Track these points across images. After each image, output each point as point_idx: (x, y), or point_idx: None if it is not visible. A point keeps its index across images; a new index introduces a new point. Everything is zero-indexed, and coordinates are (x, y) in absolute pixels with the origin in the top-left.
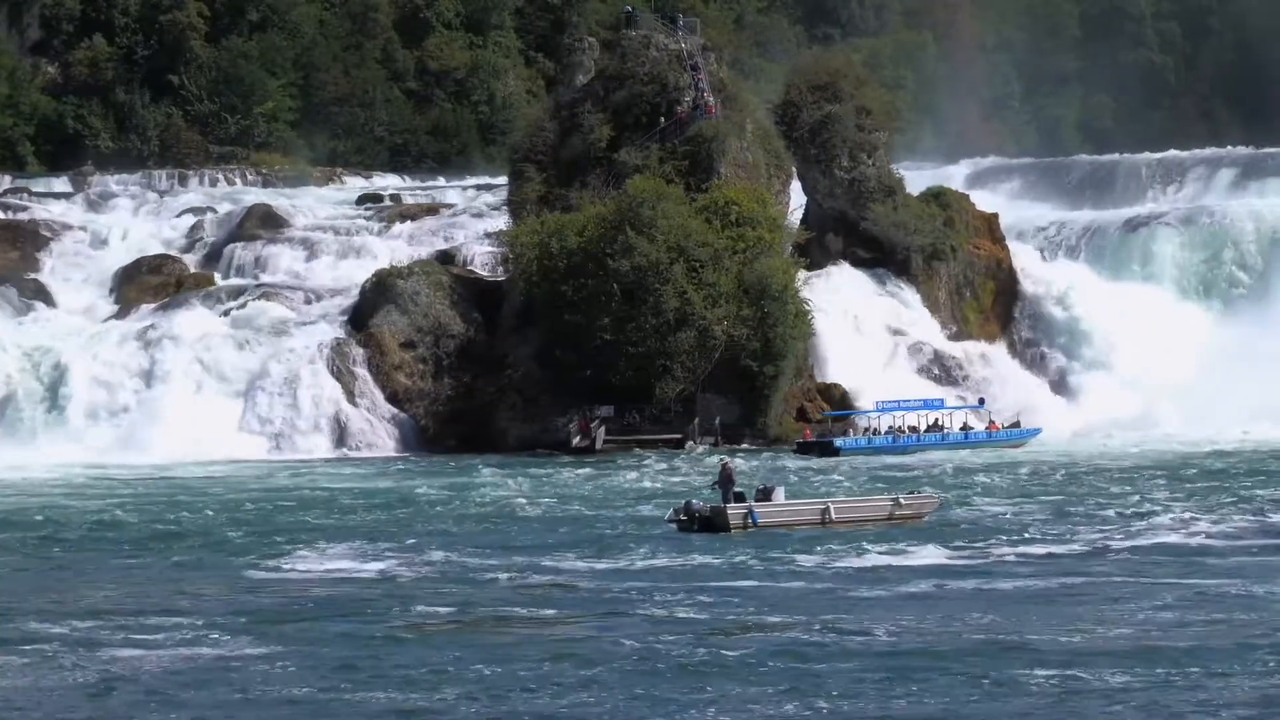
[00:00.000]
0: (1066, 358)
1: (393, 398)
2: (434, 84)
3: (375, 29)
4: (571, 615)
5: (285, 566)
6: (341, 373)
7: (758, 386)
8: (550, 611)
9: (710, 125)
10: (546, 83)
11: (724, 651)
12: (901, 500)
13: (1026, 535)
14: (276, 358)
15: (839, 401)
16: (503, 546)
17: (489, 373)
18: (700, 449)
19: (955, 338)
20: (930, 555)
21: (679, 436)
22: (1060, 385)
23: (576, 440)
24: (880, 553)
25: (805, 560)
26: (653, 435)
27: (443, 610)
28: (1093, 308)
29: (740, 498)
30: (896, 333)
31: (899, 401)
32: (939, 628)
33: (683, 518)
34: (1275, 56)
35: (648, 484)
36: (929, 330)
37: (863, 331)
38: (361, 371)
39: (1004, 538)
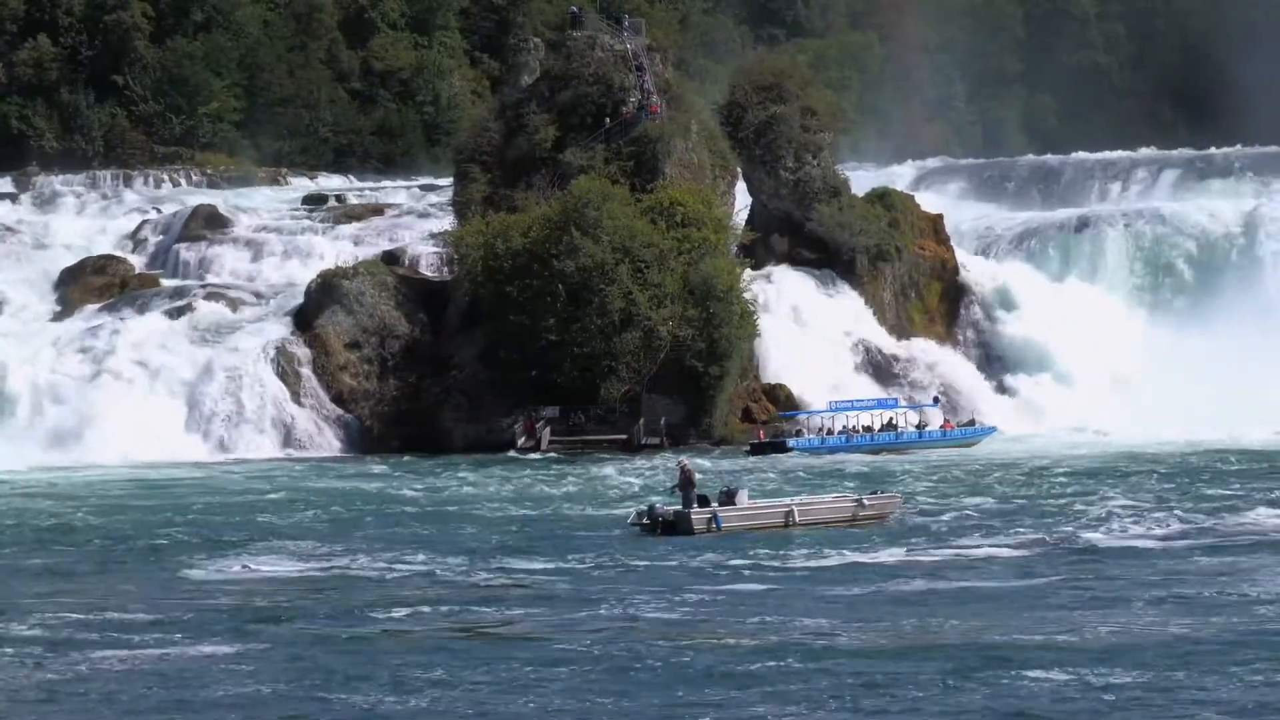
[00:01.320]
0: (1011, 358)
1: (338, 398)
2: (379, 84)
3: (320, 29)
4: (536, 618)
5: (238, 568)
6: (286, 373)
7: (703, 387)
8: (515, 612)
9: (655, 126)
10: (491, 83)
11: (692, 655)
12: (865, 501)
13: (987, 535)
14: (221, 358)
15: (784, 402)
16: (459, 548)
17: (434, 373)
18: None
19: (900, 338)
20: (891, 555)
21: (624, 437)
22: (1004, 385)
23: (522, 441)
24: (843, 554)
25: (770, 562)
26: (598, 436)
27: (403, 612)
28: (1037, 308)
29: (703, 500)
30: (841, 333)
31: (853, 401)
32: (907, 628)
33: (646, 521)
34: (1219, 57)
35: (600, 486)
36: (874, 331)
37: (808, 332)
38: (306, 372)
39: (965, 538)
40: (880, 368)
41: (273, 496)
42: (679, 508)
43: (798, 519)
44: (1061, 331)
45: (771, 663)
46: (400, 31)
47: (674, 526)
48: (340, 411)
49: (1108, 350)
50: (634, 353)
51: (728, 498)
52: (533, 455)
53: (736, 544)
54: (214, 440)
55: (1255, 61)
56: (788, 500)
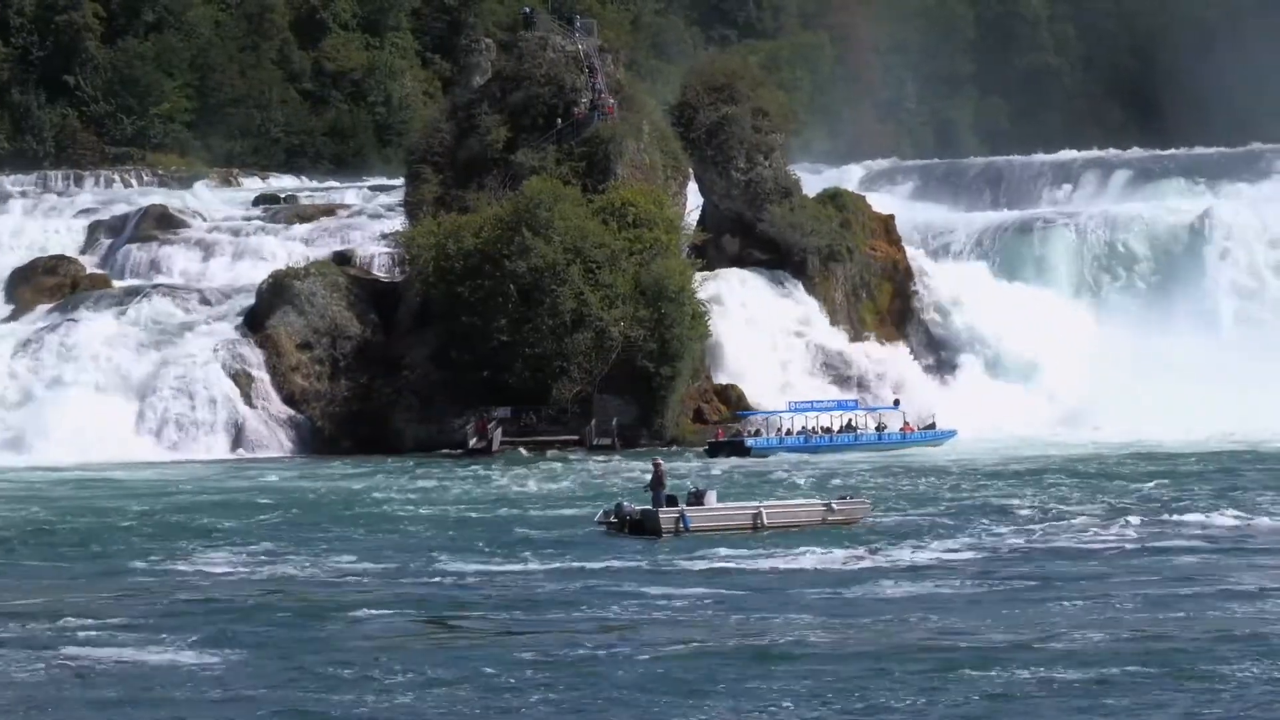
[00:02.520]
0: (962, 359)
1: (289, 399)
2: (330, 85)
3: (271, 30)
4: (506, 619)
5: (196, 569)
6: (238, 374)
7: (654, 388)
8: (484, 613)
9: (607, 126)
10: (443, 84)
11: (663, 657)
12: (834, 505)
13: (953, 537)
14: (173, 359)
15: (735, 403)
16: (423, 549)
17: (386, 374)
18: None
19: (852, 339)
20: (860, 559)
21: (576, 438)
22: (956, 386)
23: (473, 442)
24: (812, 557)
25: (739, 564)
26: (550, 436)
27: (368, 613)
28: (988, 309)
29: (672, 500)
30: (793, 334)
31: (812, 402)
32: (878, 630)
33: (613, 520)
34: (1170, 59)
35: (560, 485)
36: (825, 332)
37: (759, 333)
38: (258, 373)
39: (932, 540)
40: (832, 369)
41: (227, 498)
42: (647, 507)
43: (766, 522)
44: (1013, 333)
45: (745, 665)
46: (352, 32)
47: (641, 526)
48: (291, 412)
49: (1059, 351)
50: (585, 353)
51: (696, 498)
52: (487, 456)
53: (705, 545)
54: (165, 441)
55: (1205, 63)
56: (756, 502)
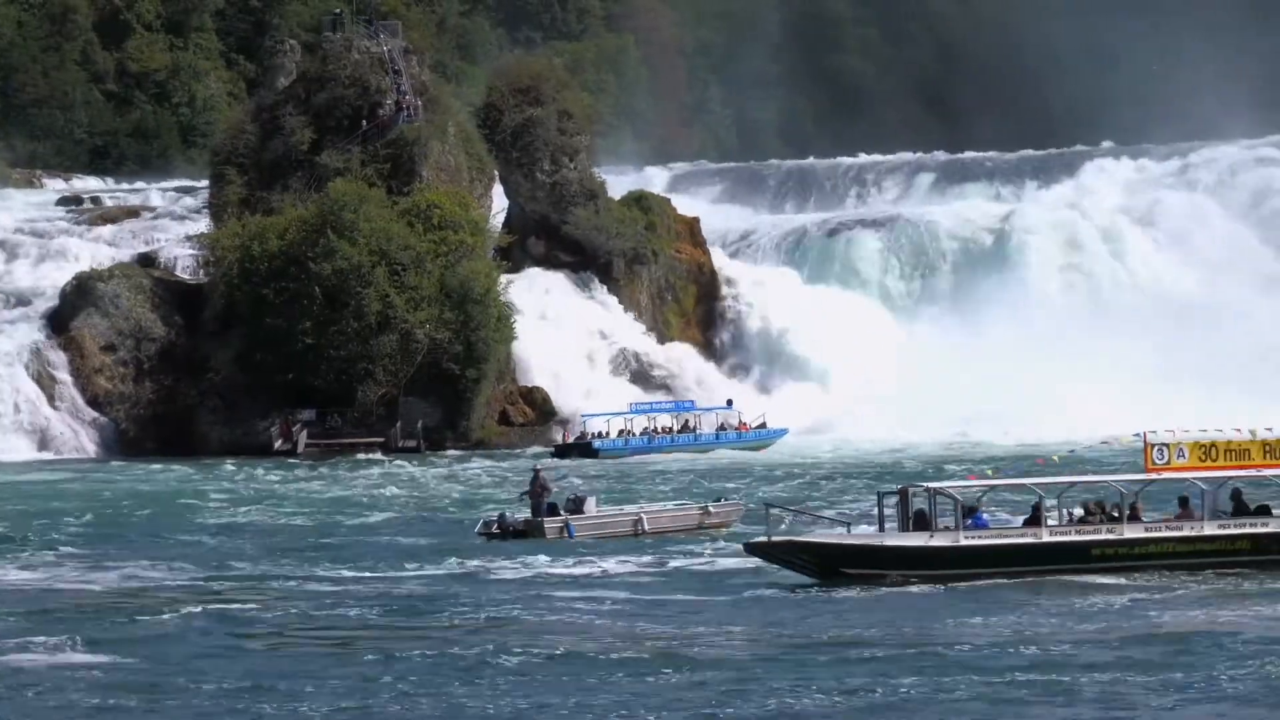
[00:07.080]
0: (767, 362)
1: (94, 401)
2: (134, 86)
3: (74, 30)
4: (386, 624)
5: (25, 574)
6: (41, 376)
7: (460, 390)
8: (354, 615)
9: (412, 128)
10: (248, 85)
11: (546, 659)
12: (710, 508)
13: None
14: None
15: (541, 405)
16: (232, 554)
17: (190, 376)
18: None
19: (657, 341)
20: (723, 561)
21: (382, 440)
22: (761, 389)
23: (278, 444)
24: (688, 560)
25: (624, 569)
26: (355, 439)
27: (261, 624)
28: (793, 312)
29: (553, 509)
30: (598, 336)
31: (652, 403)
32: (752, 631)
33: (495, 530)
34: (973, 63)
35: (416, 491)
36: (631, 334)
37: (565, 335)
38: (62, 375)
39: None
40: (638, 371)
41: (31, 504)
42: (529, 517)
43: (647, 527)
44: (818, 334)
45: (640, 671)
46: (156, 33)
47: (525, 536)
48: (96, 415)
49: (864, 352)
50: (391, 355)
51: (575, 505)
52: (292, 459)
53: (586, 552)
54: None
55: (1010, 66)
56: (636, 508)
